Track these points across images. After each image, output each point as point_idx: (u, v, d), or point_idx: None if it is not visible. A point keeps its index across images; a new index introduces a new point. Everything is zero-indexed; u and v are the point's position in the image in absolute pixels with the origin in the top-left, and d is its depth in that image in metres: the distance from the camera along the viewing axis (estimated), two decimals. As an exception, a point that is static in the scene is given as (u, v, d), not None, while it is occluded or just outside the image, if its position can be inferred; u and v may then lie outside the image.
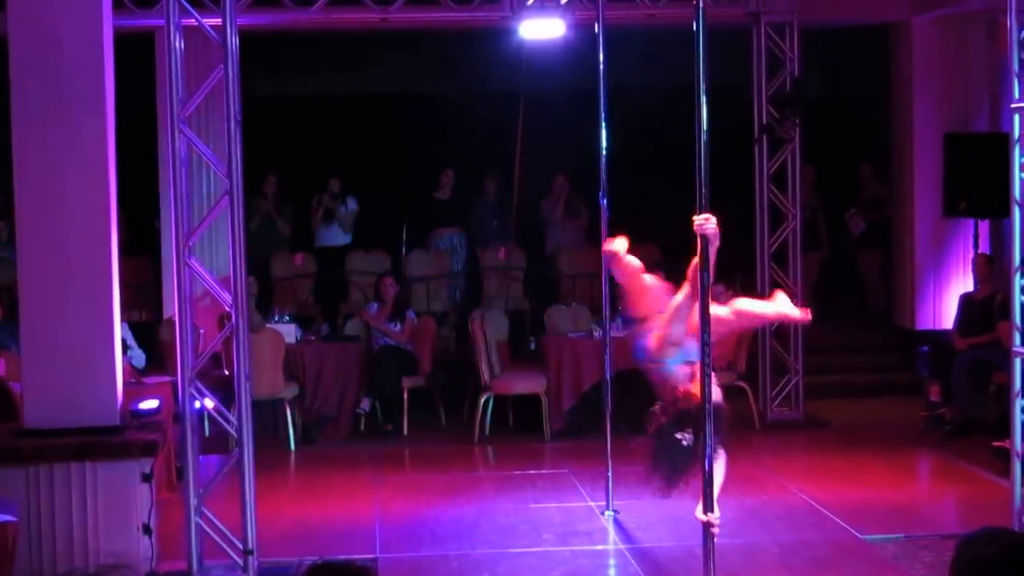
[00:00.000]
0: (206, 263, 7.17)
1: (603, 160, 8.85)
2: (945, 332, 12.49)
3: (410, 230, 14.93)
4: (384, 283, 12.31)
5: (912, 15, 13.52)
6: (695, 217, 5.59)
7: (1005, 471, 8.06)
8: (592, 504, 9.06)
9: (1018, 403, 7.55)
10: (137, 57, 12.15)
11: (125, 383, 7.70)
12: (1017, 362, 7.58)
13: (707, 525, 5.76)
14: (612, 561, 7.92)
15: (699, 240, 5.60)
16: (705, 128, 5.46)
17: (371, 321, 12.15)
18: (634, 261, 7.17)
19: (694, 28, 5.48)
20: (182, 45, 6.97)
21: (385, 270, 13.28)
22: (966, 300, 11.99)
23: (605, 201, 8.87)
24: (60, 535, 7.23)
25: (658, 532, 8.35)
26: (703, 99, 5.46)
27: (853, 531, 8.28)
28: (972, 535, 2.89)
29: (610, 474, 8.81)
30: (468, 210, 15.06)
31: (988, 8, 12.64)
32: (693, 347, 6.26)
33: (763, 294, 12.29)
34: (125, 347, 8.68)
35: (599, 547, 8.14)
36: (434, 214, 14.86)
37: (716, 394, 6.12)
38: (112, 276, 7.37)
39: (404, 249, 14.72)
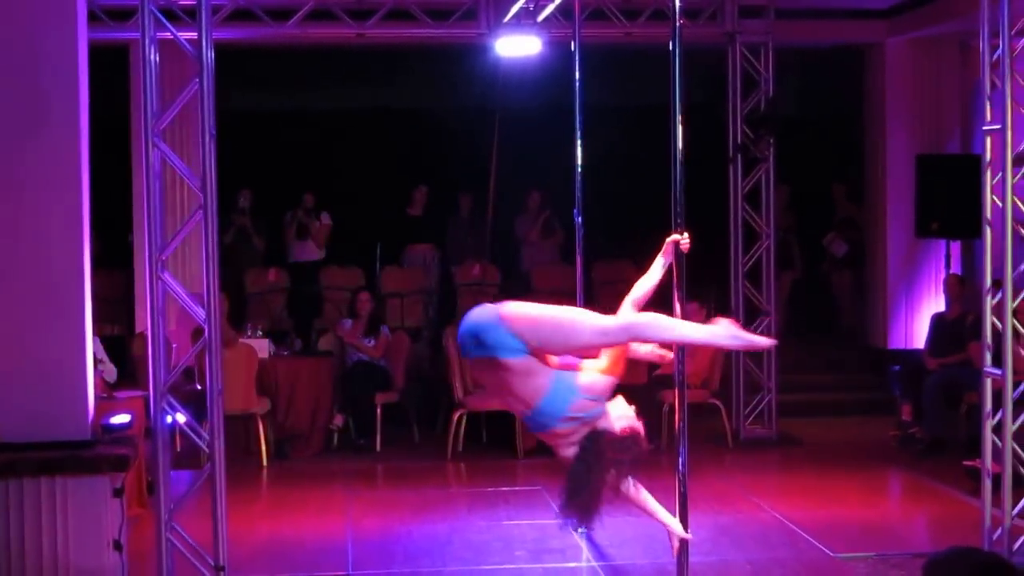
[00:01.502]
0: (179, 277, 7.13)
1: (578, 177, 8.86)
2: (917, 352, 12.55)
3: (384, 246, 14.94)
4: (360, 299, 12.31)
5: (886, 37, 13.61)
6: (674, 237, 5.60)
7: (976, 490, 8.09)
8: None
9: (989, 423, 7.59)
10: (112, 70, 12.12)
11: (96, 397, 7.65)
12: (988, 382, 7.61)
13: (683, 543, 5.75)
14: (584, 579, 7.92)
15: (675, 258, 5.62)
16: (680, 146, 5.48)
17: (345, 337, 12.13)
18: None
19: (670, 48, 5.50)
20: (157, 58, 6.96)
21: (359, 286, 13.25)
22: (938, 320, 12.04)
23: (580, 218, 8.88)
24: (29, 551, 7.17)
25: (631, 550, 8.35)
26: (678, 118, 5.48)
27: (825, 549, 8.29)
28: (940, 555, 2.90)
29: (583, 492, 8.78)
30: (442, 227, 15.07)
31: (961, 31, 12.74)
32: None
33: (737, 312, 12.35)
34: (97, 361, 8.63)
35: (572, 564, 8.13)
36: (407, 230, 14.86)
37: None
38: (84, 289, 7.33)
39: (378, 265, 14.72)
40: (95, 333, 7.83)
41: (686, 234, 5.58)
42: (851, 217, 14.97)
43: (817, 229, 15.19)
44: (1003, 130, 7.46)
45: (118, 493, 7.29)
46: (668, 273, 5.79)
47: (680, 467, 5.76)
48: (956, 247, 13.23)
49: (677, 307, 5.66)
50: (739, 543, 8.53)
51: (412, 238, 14.86)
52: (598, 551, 8.36)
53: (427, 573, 7.90)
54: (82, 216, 7.32)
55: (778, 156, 12.45)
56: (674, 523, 5.89)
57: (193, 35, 6.84)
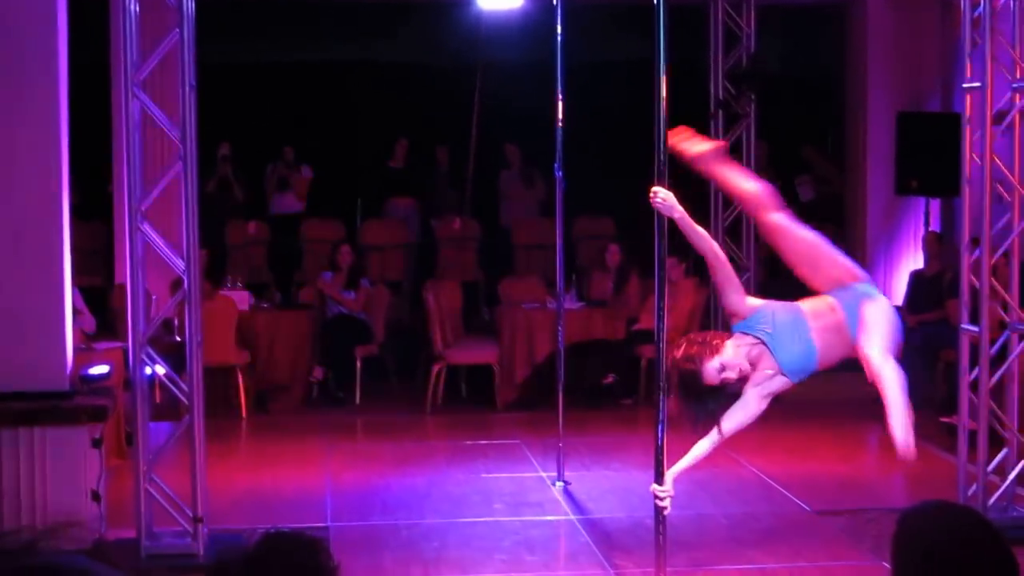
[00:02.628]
0: (159, 228, 7.12)
1: (559, 132, 8.85)
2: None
3: (365, 199, 14.90)
4: (341, 251, 12.28)
5: (868, -7, 13.59)
6: (653, 189, 5.59)
7: (952, 447, 8.16)
8: (543, 475, 9.10)
9: (966, 380, 7.64)
10: (91, 19, 12.02)
11: (75, 348, 7.65)
12: (965, 339, 7.66)
13: (655, 497, 5.79)
14: (562, 531, 7.96)
15: (655, 214, 5.61)
16: (664, 102, 5.47)
17: (326, 289, 12.11)
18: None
19: (654, 2, 5.48)
20: (137, 8, 6.92)
21: (340, 238, 13.24)
22: (916, 277, 12.08)
23: (561, 173, 8.87)
24: (7, 501, 7.18)
25: (608, 503, 8.40)
26: (662, 73, 5.47)
27: (802, 504, 8.35)
28: (914, 508, 2.91)
29: (561, 445, 8.83)
30: (423, 180, 15.04)
31: (943, -12, 12.72)
32: (757, 318, 5.74)
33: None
34: (75, 312, 8.62)
35: (550, 517, 8.17)
36: (388, 184, 14.83)
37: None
38: (63, 240, 7.32)
39: (359, 218, 14.69)
40: (74, 284, 7.82)
41: (662, 191, 5.54)
42: (822, 174, 14.96)
43: (794, 186, 15.19)
44: (983, 88, 7.47)
45: (96, 444, 7.30)
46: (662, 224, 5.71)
47: (659, 421, 5.79)
48: (935, 204, 13.25)
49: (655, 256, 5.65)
50: (716, 497, 8.58)
51: (393, 191, 14.82)
52: (576, 504, 8.40)
53: (405, 525, 7.93)
54: (61, 166, 7.30)
55: (760, 113, 12.44)
56: (668, 477, 5.89)
57: (173, -15, 6.80)
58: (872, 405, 11.48)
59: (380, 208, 14.83)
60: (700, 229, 5.65)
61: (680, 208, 5.54)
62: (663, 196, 5.49)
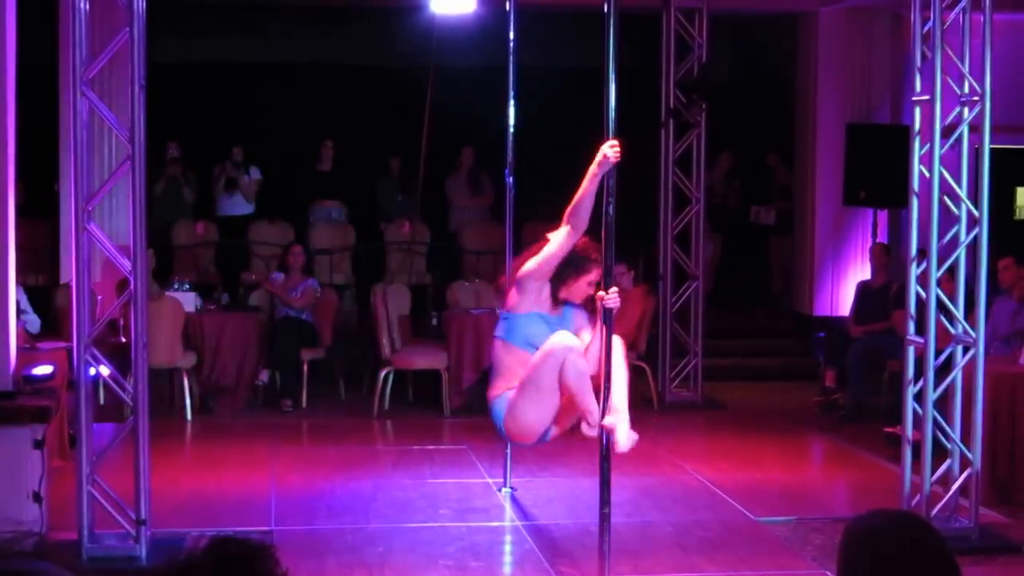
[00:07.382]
0: (106, 228, 7.07)
1: (510, 138, 8.85)
2: (842, 319, 12.68)
3: (297, 202, 14.78)
4: (292, 251, 12.20)
5: (819, 6, 13.68)
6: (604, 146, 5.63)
7: (896, 456, 8.21)
8: (490, 480, 9.09)
9: (910, 390, 7.68)
10: (40, 16, 11.91)
11: (19, 348, 7.57)
12: (910, 350, 7.71)
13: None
14: (508, 537, 7.95)
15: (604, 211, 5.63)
16: (613, 109, 5.48)
17: (275, 290, 12.01)
18: None
19: (604, 10, 5.50)
20: (87, 5, 6.86)
21: (289, 240, 13.18)
22: (863, 288, 12.17)
23: (511, 179, 8.87)
24: (-53, 501, 7.10)
25: (554, 509, 8.40)
26: (612, 81, 5.48)
27: (747, 513, 8.38)
28: (862, 516, 2.94)
29: (508, 451, 8.83)
30: (354, 183, 14.89)
31: (893, 2, 12.82)
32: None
33: (665, 276, 12.38)
34: (19, 311, 8.53)
35: (495, 523, 8.16)
36: (316, 186, 14.68)
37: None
38: (8, 239, 7.24)
39: (309, 220, 14.60)
40: (19, 283, 7.74)
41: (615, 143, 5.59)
42: (785, 184, 15.04)
43: (750, 196, 15.26)
44: (932, 101, 7.52)
45: (39, 444, 7.23)
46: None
47: (604, 427, 5.79)
48: (883, 216, 13.37)
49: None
50: (661, 504, 8.60)
51: (320, 194, 14.67)
52: (522, 511, 8.40)
53: (350, 530, 7.90)
54: (7, 164, 7.22)
55: (715, 122, 12.48)
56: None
57: (124, -17, 6.75)
58: (815, 415, 11.60)
59: (306, 211, 14.68)
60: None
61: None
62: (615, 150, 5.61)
